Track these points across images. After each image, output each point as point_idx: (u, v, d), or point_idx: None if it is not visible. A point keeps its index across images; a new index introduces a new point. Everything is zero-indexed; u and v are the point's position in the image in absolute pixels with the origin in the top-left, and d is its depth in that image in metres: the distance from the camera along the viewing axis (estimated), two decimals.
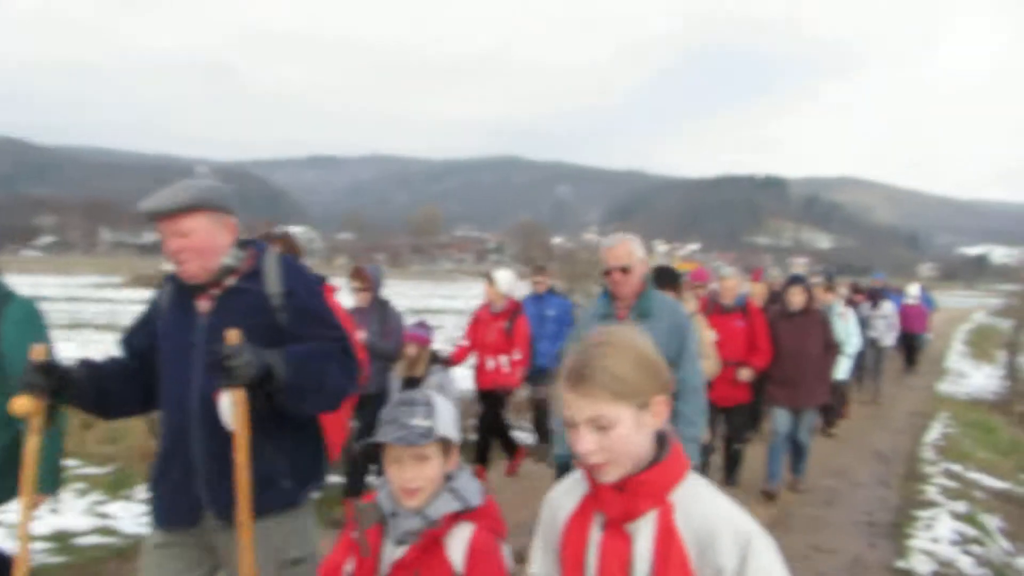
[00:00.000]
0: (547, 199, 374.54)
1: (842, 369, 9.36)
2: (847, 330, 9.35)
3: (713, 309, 7.06)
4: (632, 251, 4.01)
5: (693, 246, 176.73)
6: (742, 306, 7.12)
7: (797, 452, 7.22)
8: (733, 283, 7.26)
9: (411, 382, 6.14)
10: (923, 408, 12.42)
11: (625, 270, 3.98)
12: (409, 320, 6.47)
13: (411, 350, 6.17)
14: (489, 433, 7.23)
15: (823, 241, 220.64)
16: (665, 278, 5.02)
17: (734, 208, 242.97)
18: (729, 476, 7.24)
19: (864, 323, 11.40)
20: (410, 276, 75.53)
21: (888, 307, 12.56)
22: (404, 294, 35.90)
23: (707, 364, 5.63)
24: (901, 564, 5.44)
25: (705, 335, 6.16)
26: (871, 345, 11.99)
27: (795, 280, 7.30)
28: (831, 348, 7.12)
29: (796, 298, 7.00)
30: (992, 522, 6.72)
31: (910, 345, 16.08)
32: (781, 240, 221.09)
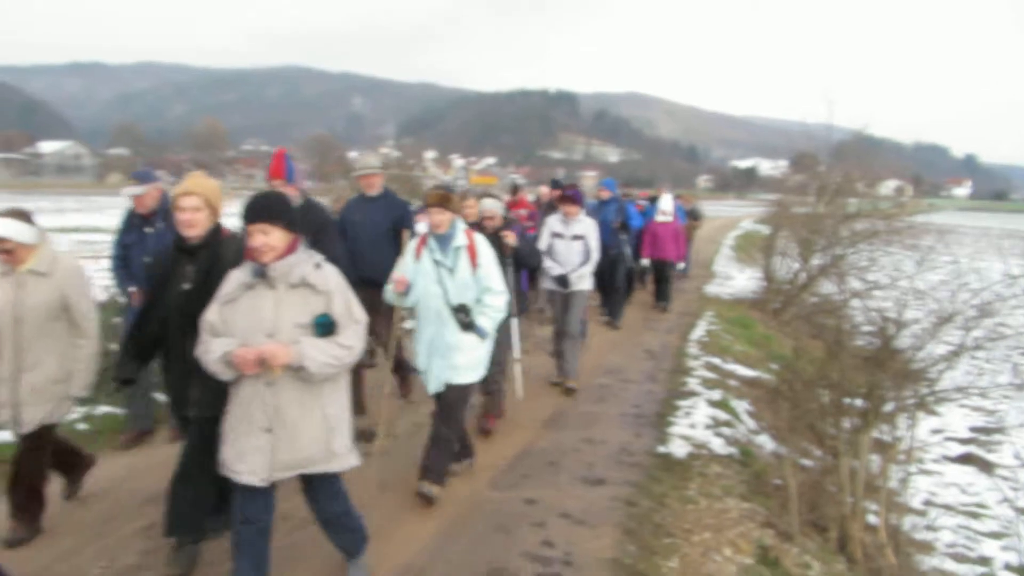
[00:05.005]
0: (340, 112, 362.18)
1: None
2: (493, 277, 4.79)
3: None
4: None
5: (489, 160, 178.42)
6: None
7: None
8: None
9: None
10: (692, 309, 13.46)
11: None
12: None
13: None
14: None
15: (612, 155, 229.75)
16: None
17: (528, 122, 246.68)
18: None
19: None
20: None
21: (584, 224, 7.56)
22: None
23: None
24: (661, 449, 5.97)
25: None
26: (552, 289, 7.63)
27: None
28: None
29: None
30: (741, 406, 7.52)
31: (660, 275, 12.94)
32: (573, 154, 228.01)
